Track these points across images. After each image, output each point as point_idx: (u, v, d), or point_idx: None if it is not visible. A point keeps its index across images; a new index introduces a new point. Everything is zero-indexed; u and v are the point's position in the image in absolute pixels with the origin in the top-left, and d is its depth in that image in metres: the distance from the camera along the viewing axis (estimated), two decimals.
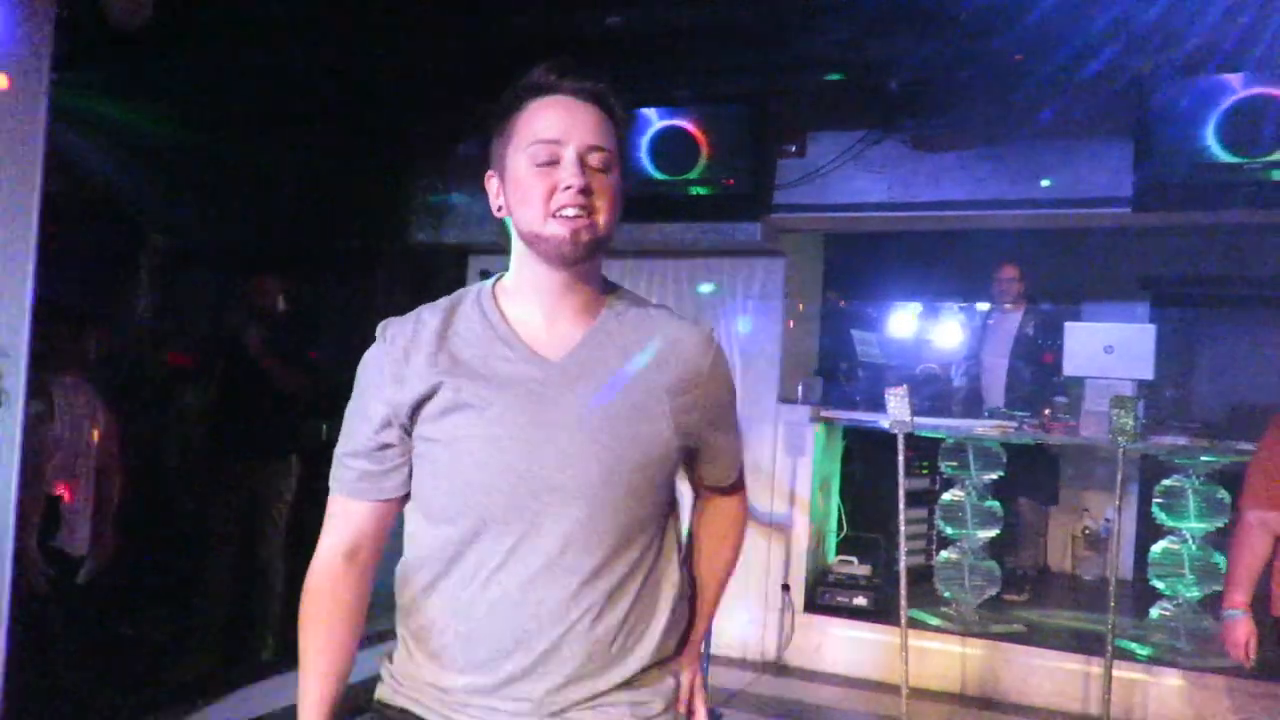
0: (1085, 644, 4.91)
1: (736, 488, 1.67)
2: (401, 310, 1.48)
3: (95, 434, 3.91)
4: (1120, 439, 3.99)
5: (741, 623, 5.39)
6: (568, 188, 1.31)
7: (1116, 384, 4.57)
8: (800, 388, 5.57)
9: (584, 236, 1.33)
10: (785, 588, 5.34)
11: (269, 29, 4.31)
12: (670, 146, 5.10)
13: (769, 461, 5.45)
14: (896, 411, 4.23)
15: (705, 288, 5.64)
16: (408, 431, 1.41)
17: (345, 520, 1.46)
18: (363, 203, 5.57)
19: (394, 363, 1.40)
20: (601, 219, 1.34)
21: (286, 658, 4.57)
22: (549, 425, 1.35)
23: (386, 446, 1.42)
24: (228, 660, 4.64)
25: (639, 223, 5.43)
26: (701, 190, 5.11)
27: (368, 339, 1.47)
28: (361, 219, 5.65)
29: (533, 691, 1.37)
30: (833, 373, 6.14)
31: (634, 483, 1.38)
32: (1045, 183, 4.70)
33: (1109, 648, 4.05)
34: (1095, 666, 4.60)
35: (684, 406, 1.43)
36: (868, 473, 6.04)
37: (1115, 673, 4.09)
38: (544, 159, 1.32)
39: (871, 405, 5.48)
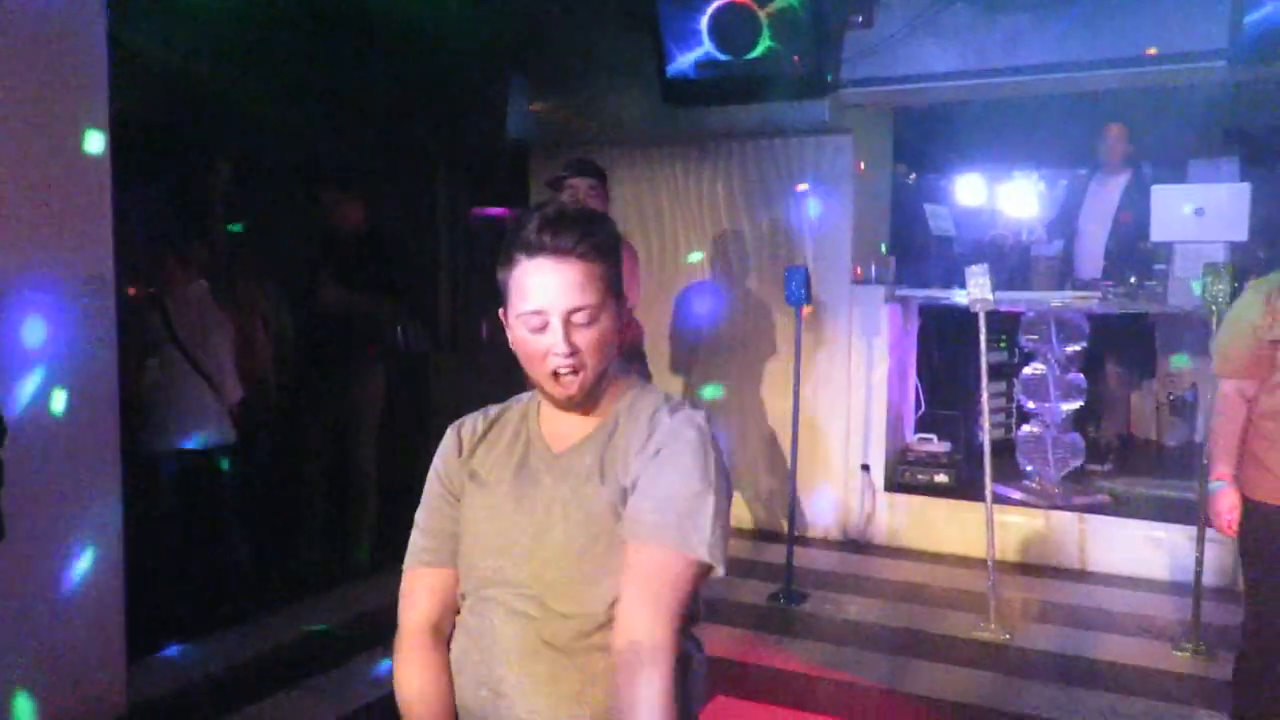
0: (1172, 512, 4.88)
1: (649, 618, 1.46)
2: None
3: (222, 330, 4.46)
4: (1213, 307, 3.87)
5: (823, 504, 5.46)
6: (557, 354, 1.55)
7: (1207, 248, 4.39)
8: (873, 267, 5.48)
9: (576, 395, 1.58)
10: (865, 467, 5.37)
11: None
12: (730, 24, 4.93)
13: (844, 344, 5.41)
14: (977, 290, 4.14)
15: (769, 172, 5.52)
16: None
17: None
18: (415, 108, 5.49)
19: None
20: (590, 368, 1.58)
21: (381, 560, 4.78)
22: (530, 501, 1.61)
23: None
24: (328, 562, 4.86)
25: (700, 106, 5.30)
26: (764, 70, 4.94)
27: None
28: (416, 124, 5.58)
29: None
30: (906, 250, 5.99)
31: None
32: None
33: (1201, 514, 4.01)
34: (1181, 534, 4.58)
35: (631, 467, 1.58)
36: (944, 350, 5.97)
37: (1208, 539, 4.06)
38: (535, 326, 1.56)
39: (946, 281, 5.37)
